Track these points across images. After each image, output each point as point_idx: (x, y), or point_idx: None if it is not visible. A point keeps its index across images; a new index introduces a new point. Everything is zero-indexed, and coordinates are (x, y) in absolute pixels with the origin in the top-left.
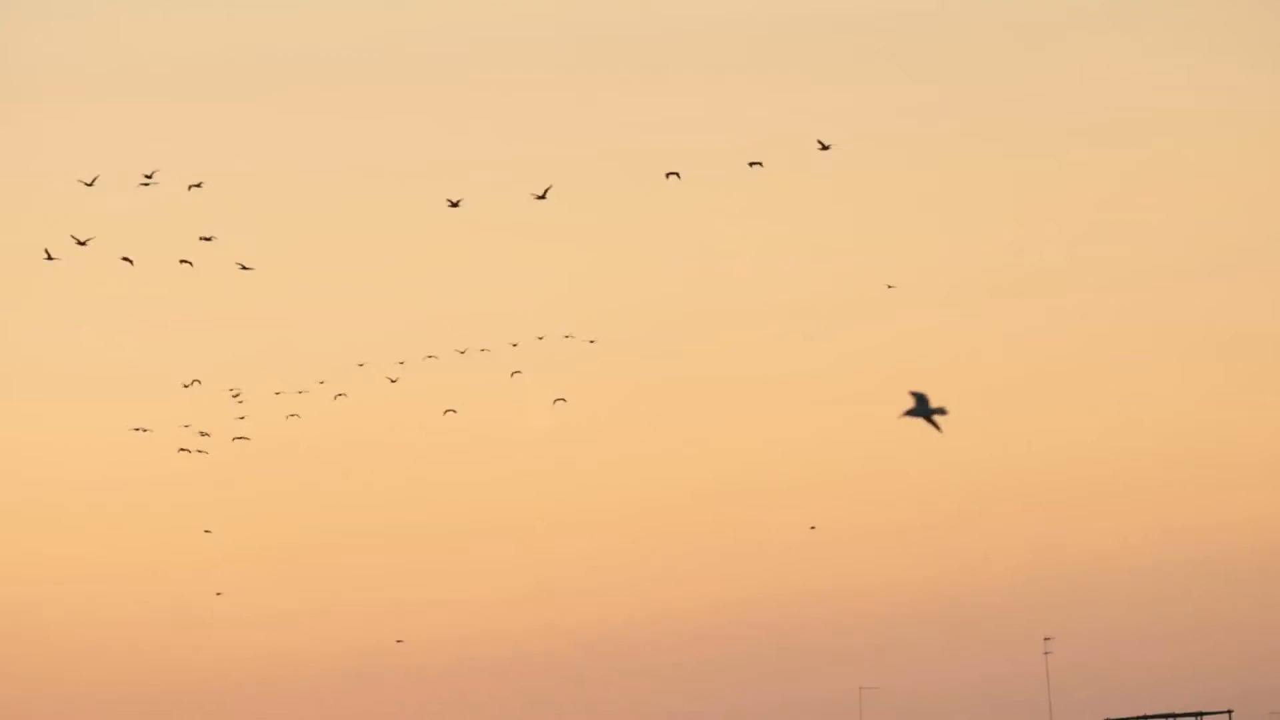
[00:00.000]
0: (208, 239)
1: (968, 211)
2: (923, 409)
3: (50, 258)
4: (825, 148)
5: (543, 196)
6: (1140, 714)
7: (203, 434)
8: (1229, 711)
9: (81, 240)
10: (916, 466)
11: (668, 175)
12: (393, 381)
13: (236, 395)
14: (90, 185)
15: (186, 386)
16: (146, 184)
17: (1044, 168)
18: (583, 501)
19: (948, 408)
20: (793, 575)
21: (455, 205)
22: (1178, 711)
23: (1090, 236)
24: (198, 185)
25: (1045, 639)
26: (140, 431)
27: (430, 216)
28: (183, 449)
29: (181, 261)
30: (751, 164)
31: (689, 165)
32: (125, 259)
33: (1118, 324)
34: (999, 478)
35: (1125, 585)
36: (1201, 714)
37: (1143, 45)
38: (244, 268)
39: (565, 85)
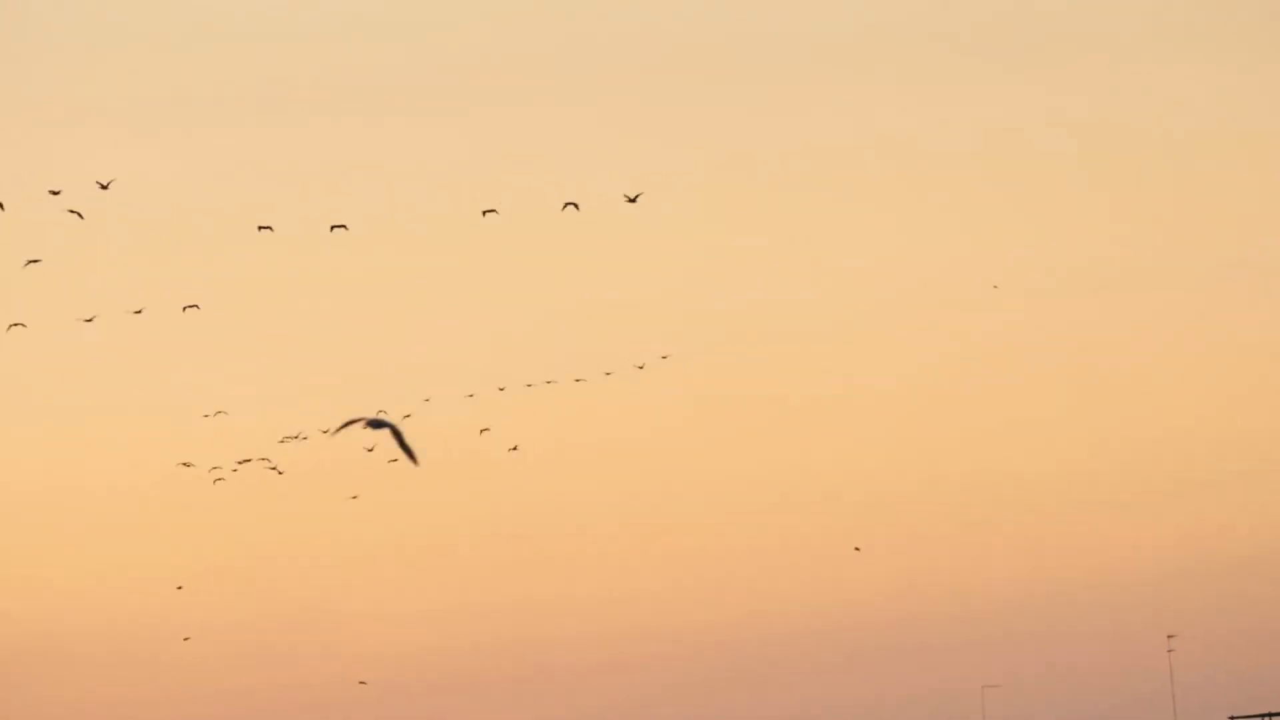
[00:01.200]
0: (340, 227)
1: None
2: (376, 426)
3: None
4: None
5: (634, 200)
6: (1265, 711)
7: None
8: None
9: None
10: (1034, 463)
11: (565, 206)
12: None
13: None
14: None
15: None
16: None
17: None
18: (708, 502)
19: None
20: (915, 573)
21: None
22: None
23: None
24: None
25: (1169, 636)
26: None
27: (474, 240)
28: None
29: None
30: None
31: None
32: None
33: (1208, 319)
34: (1118, 473)
35: (1250, 580)
36: None
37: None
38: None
39: (661, 92)
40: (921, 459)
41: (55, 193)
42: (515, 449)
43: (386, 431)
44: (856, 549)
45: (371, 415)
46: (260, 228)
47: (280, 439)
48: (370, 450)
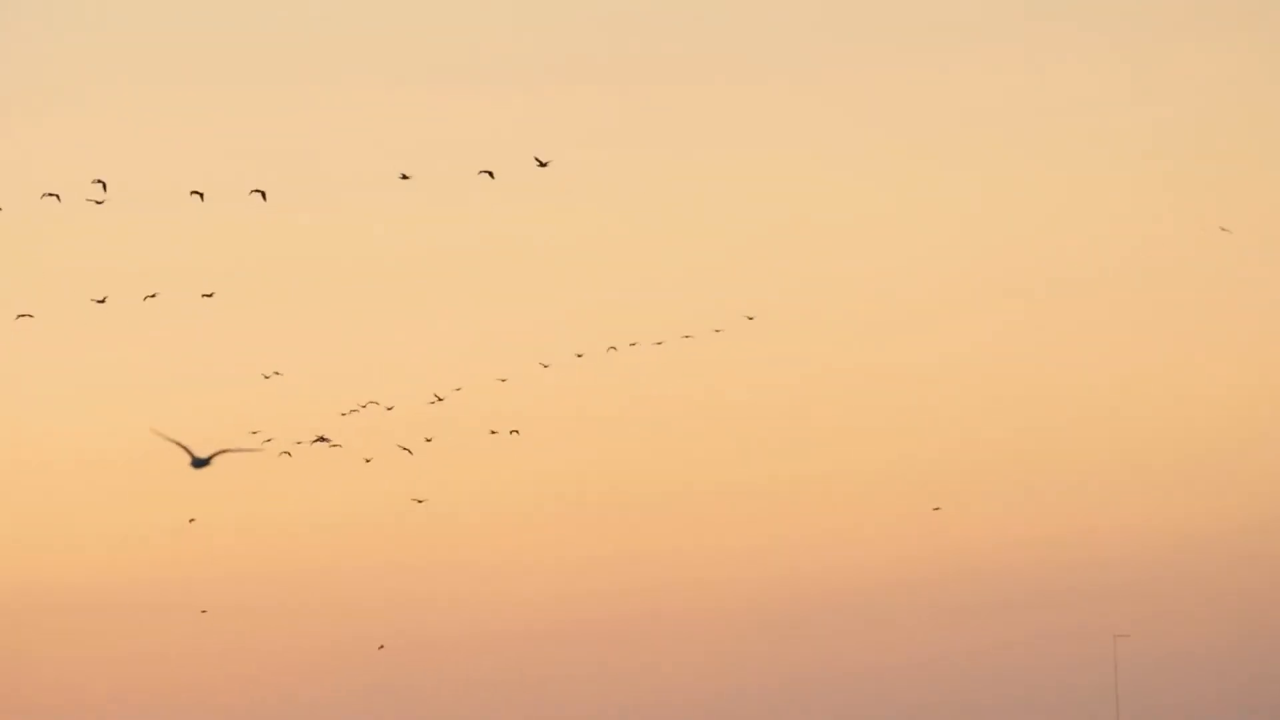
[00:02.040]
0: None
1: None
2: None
3: None
4: None
5: (544, 164)
6: None
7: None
8: None
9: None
10: (1174, 410)
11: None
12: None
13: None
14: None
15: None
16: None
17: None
18: (833, 456)
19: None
20: (1044, 521)
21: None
22: None
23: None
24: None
25: None
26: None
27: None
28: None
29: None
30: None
31: None
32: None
33: None
34: (1247, 410)
35: None
36: None
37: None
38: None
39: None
40: (1040, 403)
41: (53, 195)
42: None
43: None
44: (936, 509)
45: (203, 453)
46: (403, 175)
47: (343, 412)
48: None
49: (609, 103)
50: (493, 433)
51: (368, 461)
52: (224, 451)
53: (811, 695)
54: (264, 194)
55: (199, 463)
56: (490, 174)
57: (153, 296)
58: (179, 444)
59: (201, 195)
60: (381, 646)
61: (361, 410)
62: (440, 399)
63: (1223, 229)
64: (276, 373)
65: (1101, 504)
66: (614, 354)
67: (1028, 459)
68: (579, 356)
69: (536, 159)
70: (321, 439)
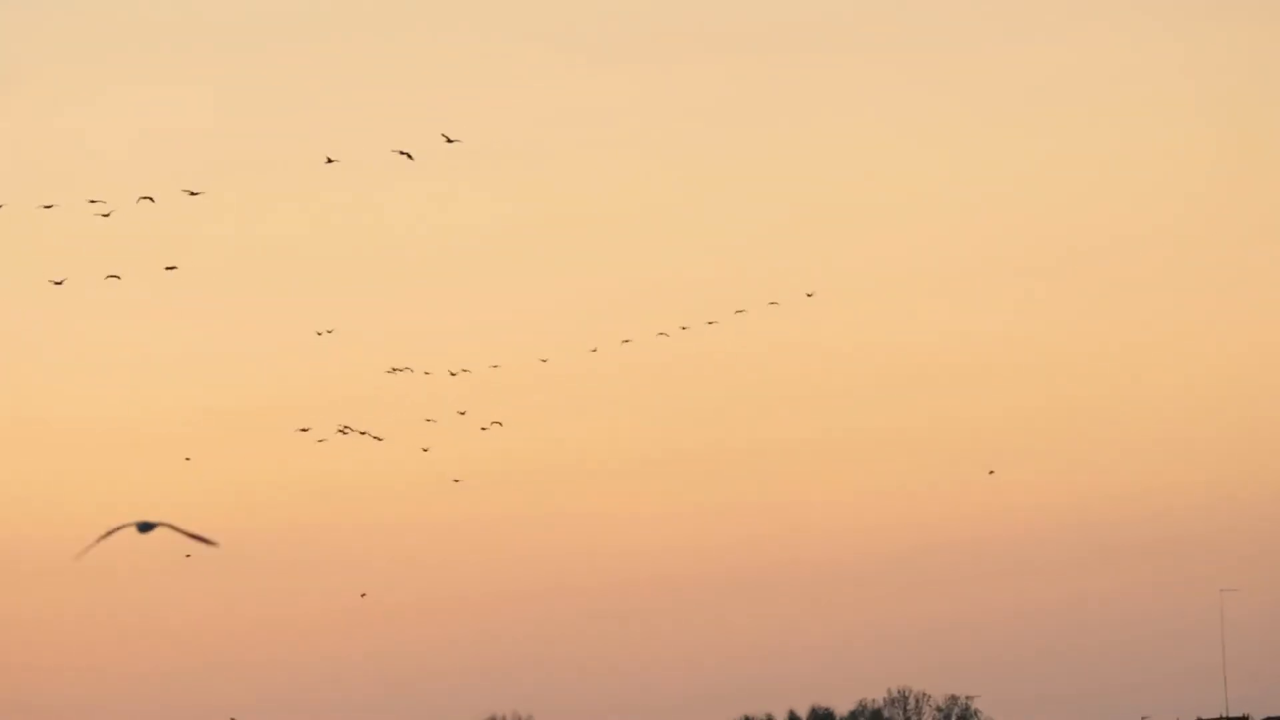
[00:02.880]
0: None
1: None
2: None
3: None
4: None
5: (407, 154)
6: None
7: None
8: None
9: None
10: (1267, 368)
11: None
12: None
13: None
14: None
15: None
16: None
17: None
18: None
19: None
20: (1151, 477)
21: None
22: None
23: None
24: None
25: None
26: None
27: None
28: None
29: None
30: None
31: None
32: None
33: None
34: None
35: None
36: None
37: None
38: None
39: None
40: (1145, 365)
41: (58, 283)
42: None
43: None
44: (991, 472)
45: (140, 521)
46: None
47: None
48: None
49: (647, 81)
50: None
51: (490, 427)
52: (166, 526)
53: (932, 644)
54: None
55: (144, 527)
56: (408, 155)
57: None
58: (115, 530)
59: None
60: (363, 594)
61: (466, 373)
62: (545, 361)
63: None
64: (329, 330)
65: (1207, 460)
66: (687, 331)
67: (1133, 418)
68: (662, 334)
69: (444, 135)
70: (351, 429)
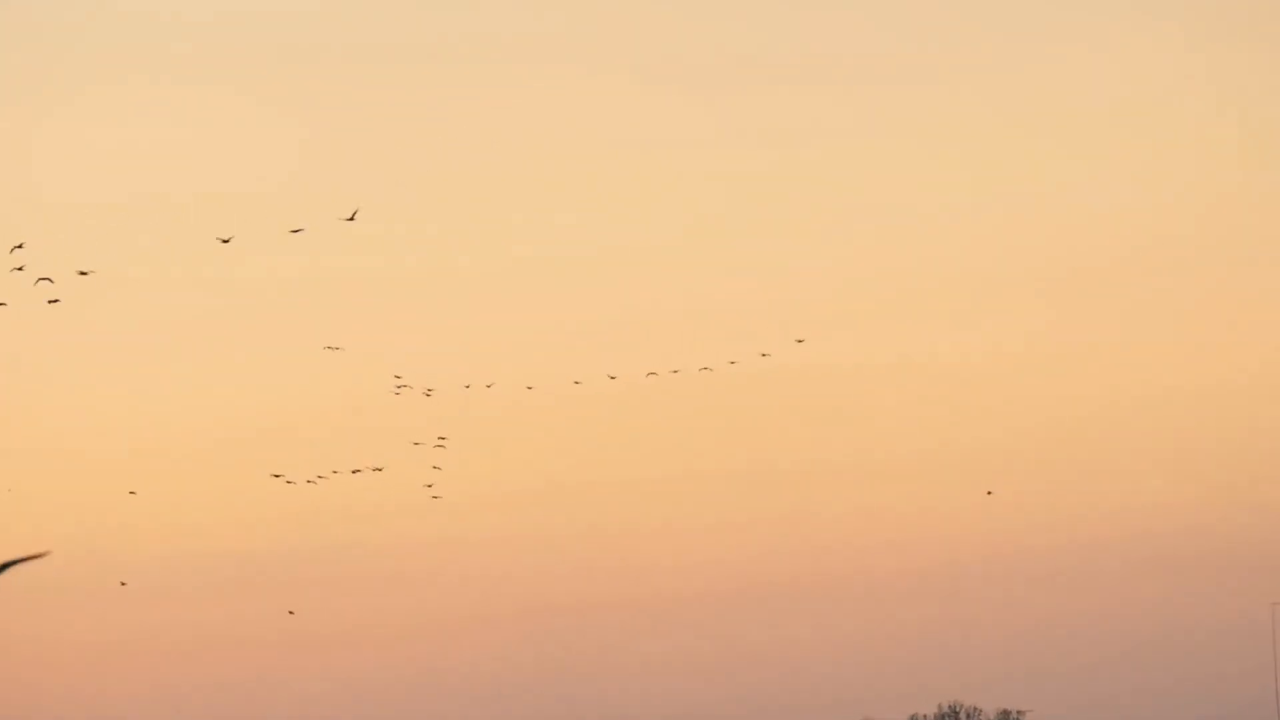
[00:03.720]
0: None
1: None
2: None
3: None
4: None
5: (351, 218)
6: None
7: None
8: None
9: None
10: None
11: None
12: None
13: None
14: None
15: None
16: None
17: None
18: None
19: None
20: (1204, 489)
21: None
22: None
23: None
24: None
25: None
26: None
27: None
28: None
29: None
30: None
31: None
32: None
33: None
34: None
35: None
36: None
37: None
38: None
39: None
40: (1204, 383)
41: (46, 279)
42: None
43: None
44: (989, 493)
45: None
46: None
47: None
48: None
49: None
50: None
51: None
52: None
53: (983, 658)
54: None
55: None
56: (300, 230)
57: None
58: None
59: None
60: (291, 612)
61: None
62: (578, 383)
63: None
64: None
65: (1261, 472)
66: (709, 372)
67: (1186, 428)
68: (704, 369)
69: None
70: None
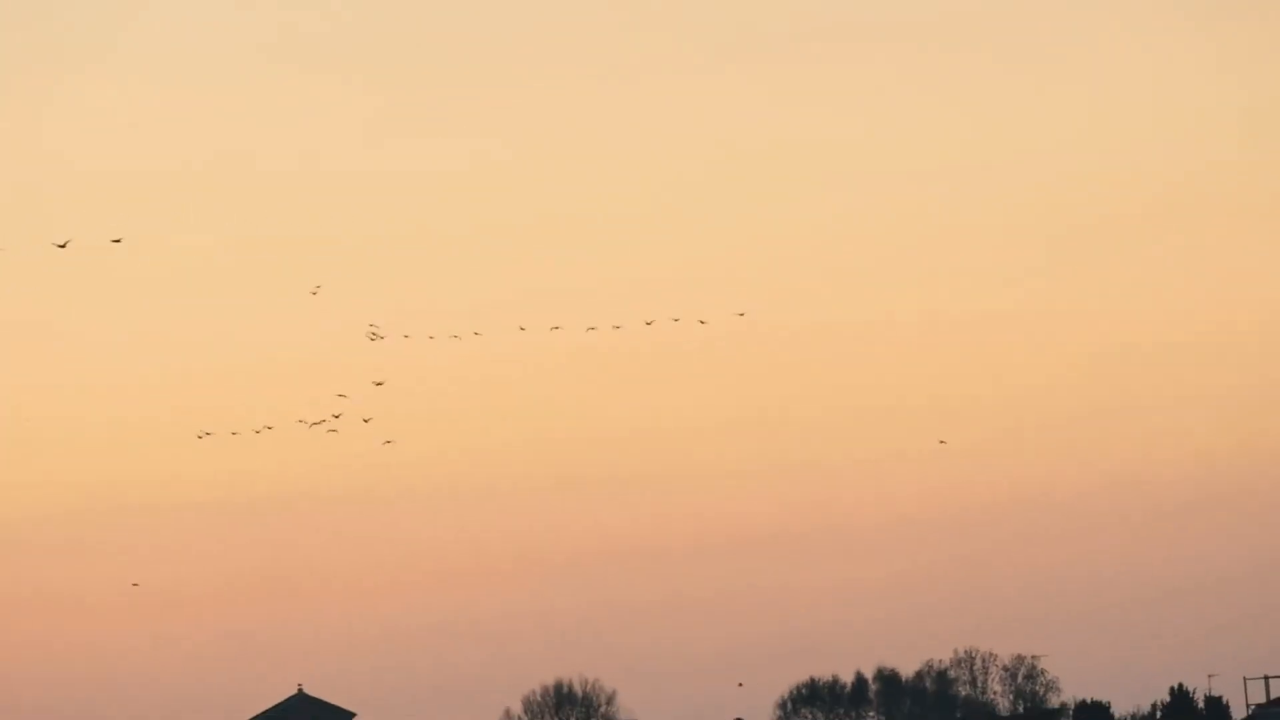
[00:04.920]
0: None
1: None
2: None
3: None
4: None
5: (63, 245)
6: None
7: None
8: None
9: None
10: None
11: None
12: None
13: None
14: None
15: None
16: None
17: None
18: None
19: None
20: (1214, 437)
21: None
22: None
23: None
24: None
25: None
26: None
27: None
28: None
29: None
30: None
31: None
32: None
33: None
34: None
35: None
36: None
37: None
38: None
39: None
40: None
41: (62, 245)
42: None
43: None
44: (941, 442)
45: None
46: None
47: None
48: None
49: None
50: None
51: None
52: None
53: (998, 605)
54: None
55: None
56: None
57: None
58: None
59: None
60: (135, 584)
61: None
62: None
63: None
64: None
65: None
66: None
67: (1204, 376)
68: (740, 314)
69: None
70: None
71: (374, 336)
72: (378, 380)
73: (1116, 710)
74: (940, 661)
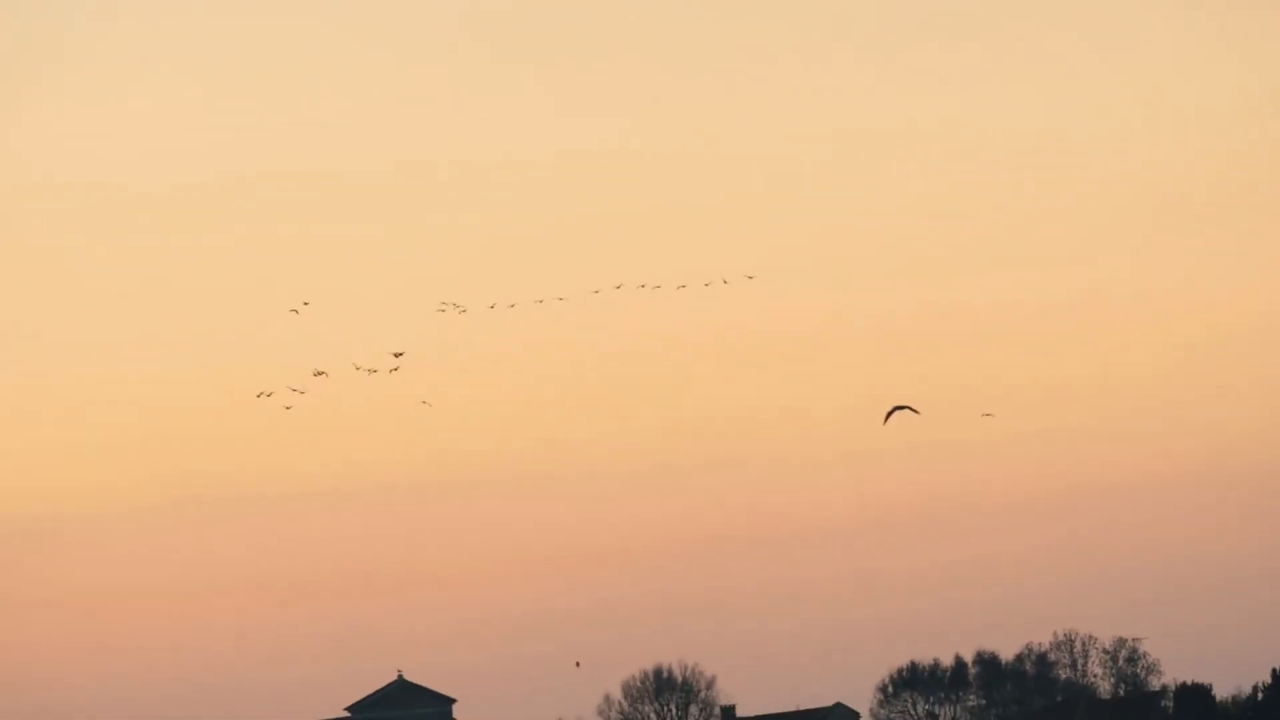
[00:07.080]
0: None
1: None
2: None
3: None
4: None
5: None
6: None
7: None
8: None
9: None
10: None
11: None
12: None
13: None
14: None
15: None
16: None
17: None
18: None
19: None
20: None
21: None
22: None
23: None
24: None
25: None
26: None
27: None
28: None
29: None
30: None
31: None
32: None
33: None
34: None
35: None
36: None
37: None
38: None
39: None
40: None
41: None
42: None
43: None
44: (987, 415)
45: None
46: None
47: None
48: None
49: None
50: None
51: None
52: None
53: (1099, 587)
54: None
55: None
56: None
57: None
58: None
59: None
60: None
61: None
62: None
63: None
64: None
65: None
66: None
67: None
68: (749, 278)
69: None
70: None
71: (447, 309)
72: (397, 351)
73: (1218, 692)
74: (1040, 644)
